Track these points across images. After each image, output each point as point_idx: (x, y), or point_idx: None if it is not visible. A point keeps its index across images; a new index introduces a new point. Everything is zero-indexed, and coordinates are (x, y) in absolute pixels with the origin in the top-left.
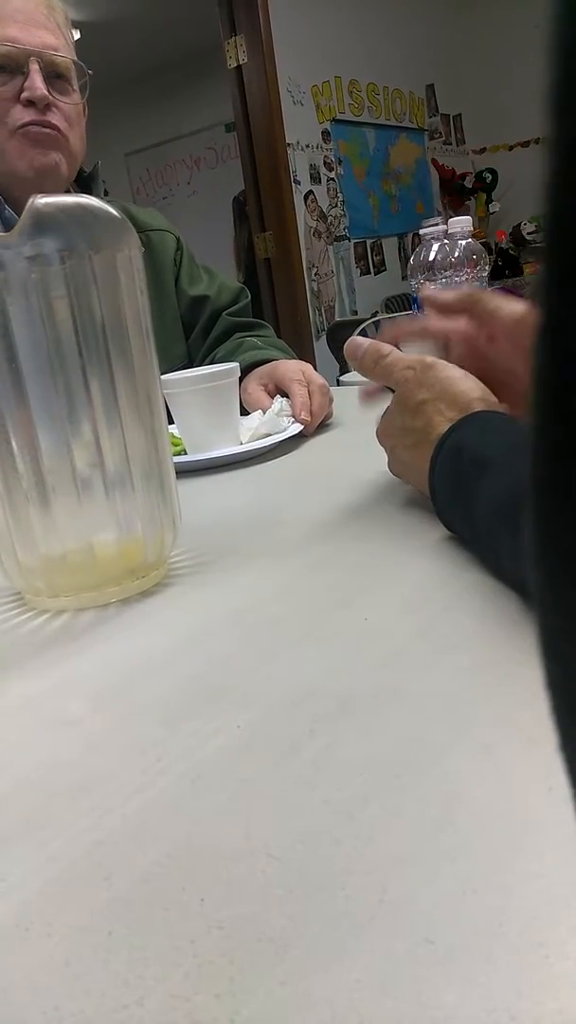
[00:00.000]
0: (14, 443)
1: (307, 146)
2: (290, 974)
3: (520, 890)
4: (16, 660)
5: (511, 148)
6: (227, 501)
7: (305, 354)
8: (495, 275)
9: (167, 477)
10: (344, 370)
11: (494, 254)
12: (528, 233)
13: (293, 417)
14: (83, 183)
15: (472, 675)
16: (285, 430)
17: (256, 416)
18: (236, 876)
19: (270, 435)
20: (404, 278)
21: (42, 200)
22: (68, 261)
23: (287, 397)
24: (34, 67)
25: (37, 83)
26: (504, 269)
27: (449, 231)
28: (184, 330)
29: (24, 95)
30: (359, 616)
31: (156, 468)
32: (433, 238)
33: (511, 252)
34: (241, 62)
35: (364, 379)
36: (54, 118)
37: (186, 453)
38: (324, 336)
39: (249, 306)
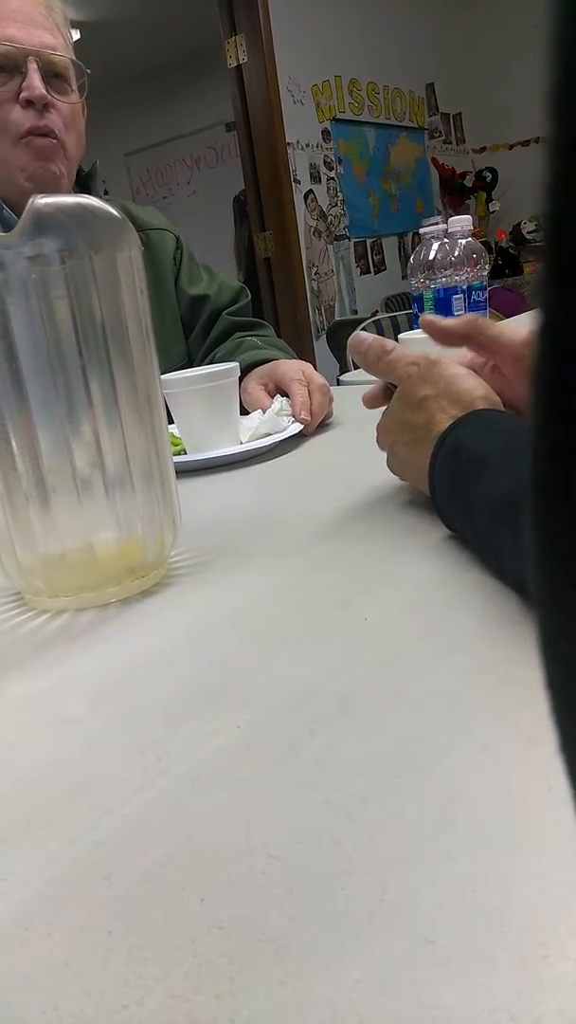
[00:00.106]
0: (14, 443)
1: (307, 145)
2: (290, 974)
3: (520, 890)
4: (16, 660)
5: (511, 147)
6: (227, 501)
7: (305, 354)
8: (495, 274)
9: (167, 477)
10: (344, 370)
11: (494, 253)
12: (528, 232)
13: (293, 417)
14: (82, 182)
15: (472, 675)
16: (285, 430)
17: (256, 416)
18: (236, 876)
19: (270, 435)
20: (404, 277)
21: (42, 200)
22: (68, 261)
23: (287, 397)
24: (32, 67)
25: (35, 83)
26: (504, 268)
27: (449, 230)
28: (184, 330)
29: (23, 95)
30: (359, 616)
31: (156, 468)
32: (433, 237)
33: (511, 251)
34: (241, 61)
35: (365, 379)
36: (52, 119)
37: (186, 453)
38: (324, 336)
39: (249, 305)
